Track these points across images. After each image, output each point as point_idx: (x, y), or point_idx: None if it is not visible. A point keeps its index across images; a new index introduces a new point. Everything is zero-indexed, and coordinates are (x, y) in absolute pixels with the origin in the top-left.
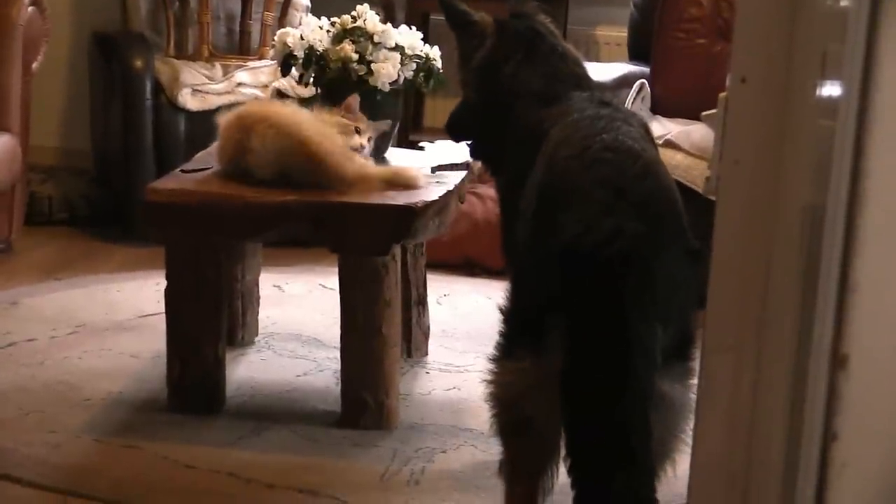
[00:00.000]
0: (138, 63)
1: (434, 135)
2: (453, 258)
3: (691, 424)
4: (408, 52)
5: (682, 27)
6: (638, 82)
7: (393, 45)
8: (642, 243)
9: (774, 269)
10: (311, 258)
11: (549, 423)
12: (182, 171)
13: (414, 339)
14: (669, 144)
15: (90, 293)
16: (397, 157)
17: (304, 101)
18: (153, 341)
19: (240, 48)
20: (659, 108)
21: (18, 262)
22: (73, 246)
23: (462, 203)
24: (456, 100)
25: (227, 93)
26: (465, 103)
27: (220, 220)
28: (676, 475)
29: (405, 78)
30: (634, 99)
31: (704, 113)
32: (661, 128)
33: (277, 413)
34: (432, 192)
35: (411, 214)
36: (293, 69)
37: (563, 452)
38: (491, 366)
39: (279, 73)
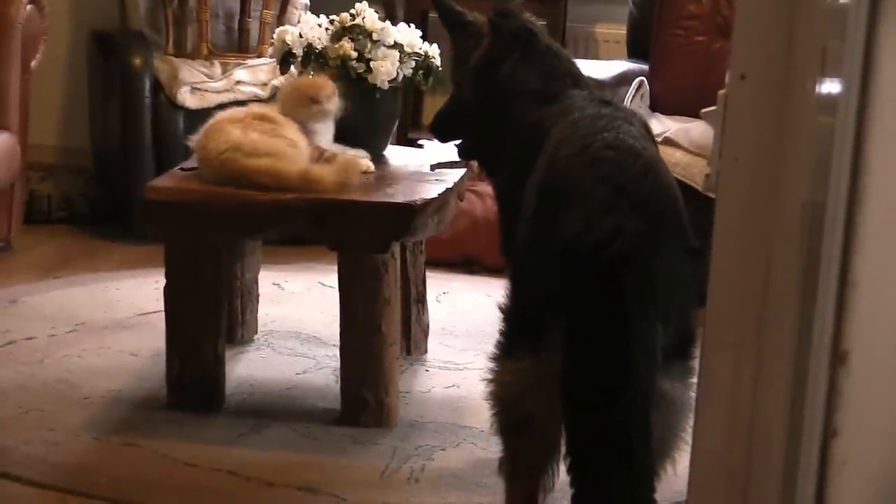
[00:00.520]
0: (137, 61)
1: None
2: (452, 256)
3: (692, 423)
4: (407, 49)
5: (680, 24)
6: (637, 80)
7: (392, 42)
8: (643, 241)
9: (774, 267)
10: (310, 256)
11: (550, 422)
12: (181, 169)
13: (413, 336)
14: (668, 142)
15: (89, 291)
16: (396, 155)
17: None
18: (153, 339)
19: (239, 46)
20: (658, 106)
21: (18, 261)
22: (72, 244)
23: (461, 201)
24: None
25: (227, 91)
26: (455, 103)
27: (219, 218)
28: (676, 474)
29: (404, 76)
30: (633, 96)
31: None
32: (661, 125)
33: (277, 411)
34: (432, 189)
35: (410, 212)
36: (292, 67)
37: (563, 451)
38: (491, 365)
39: (278, 71)
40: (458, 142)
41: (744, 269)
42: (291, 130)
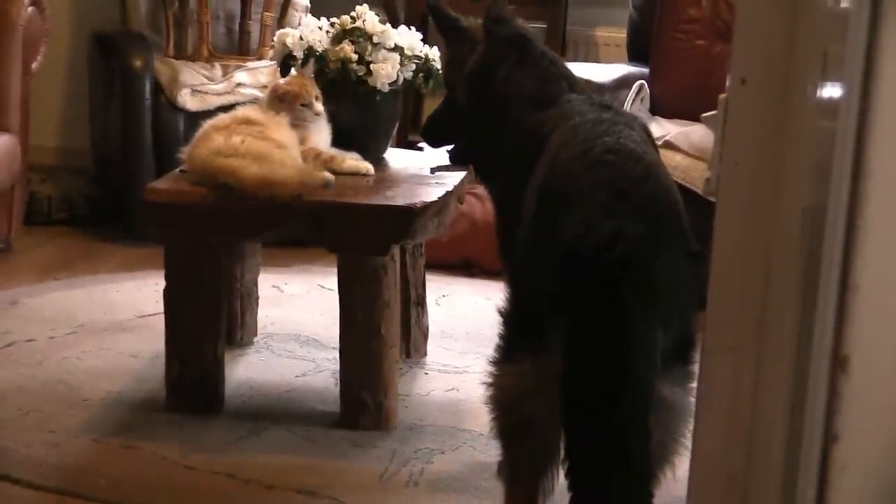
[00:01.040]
0: (138, 63)
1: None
2: (452, 258)
3: (691, 428)
4: (407, 52)
5: (681, 28)
6: (637, 83)
7: (392, 45)
8: (643, 245)
9: (775, 271)
10: (309, 258)
11: (549, 425)
12: (181, 171)
13: (413, 339)
14: (668, 145)
15: (89, 293)
16: (396, 158)
17: None
18: (152, 341)
19: (239, 48)
20: (658, 109)
21: (18, 262)
22: (72, 246)
23: (461, 203)
24: None
25: (227, 93)
26: (448, 108)
27: (219, 220)
28: (676, 478)
29: (404, 78)
30: (633, 100)
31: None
32: (661, 129)
33: (276, 413)
34: (432, 192)
35: (410, 215)
36: (292, 69)
37: (562, 454)
38: (491, 368)
39: (278, 74)
40: (450, 147)
41: (744, 272)
42: (279, 131)
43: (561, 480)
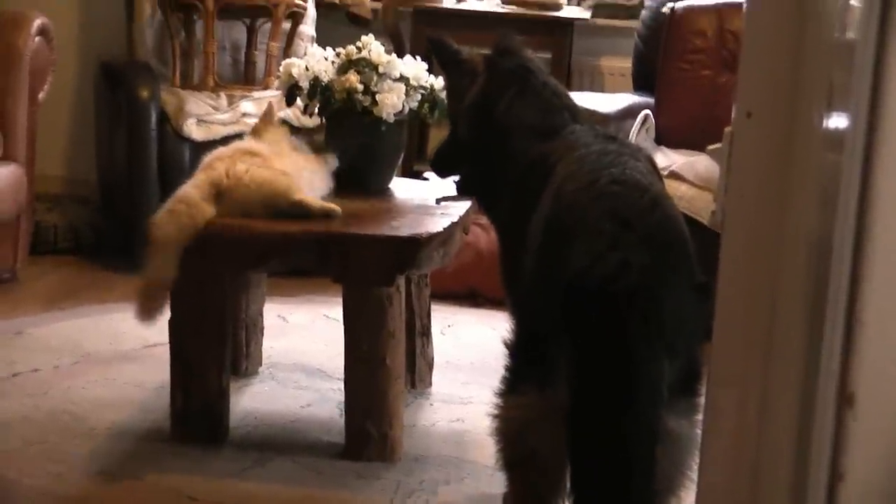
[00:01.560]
0: (144, 93)
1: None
2: (457, 288)
3: (697, 460)
4: (412, 82)
5: (686, 58)
6: (642, 113)
7: (398, 75)
8: (649, 277)
9: (780, 304)
10: (314, 288)
11: (555, 457)
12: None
13: (418, 370)
14: (674, 175)
15: (95, 323)
16: (401, 188)
17: (308, 132)
18: (157, 371)
19: (245, 78)
20: (663, 139)
21: (23, 292)
22: (77, 275)
23: (466, 234)
24: None
25: (233, 123)
26: (453, 139)
27: (224, 250)
28: None
29: (410, 109)
30: (639, 130)
31: (710, 147)
32: (666, 159)
33: (281, 444)
34: (437, 223)
35: (416, 245)
36: (298, 99)
37: (567, 487)
38: (496, 400)
39: (284, 104)
40: (457, 177)
41: (750, 305)
42: (282, 161)
43: None
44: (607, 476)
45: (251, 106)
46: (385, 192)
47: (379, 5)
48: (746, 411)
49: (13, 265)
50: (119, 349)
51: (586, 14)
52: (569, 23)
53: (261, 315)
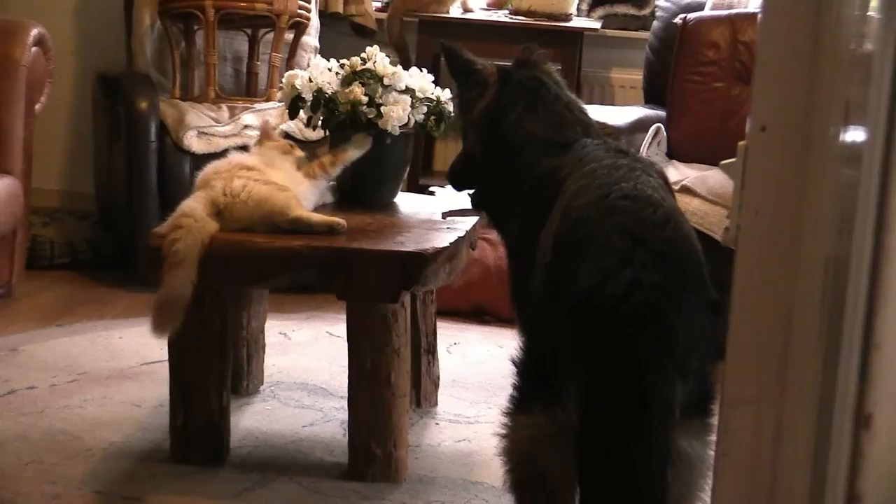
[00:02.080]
0: (143, 105)
1: (444, 179)
2: (464, 305)
3: (710, 482)
4: (418, 94)
5: (698, 70)
6: (654, 126)
7: (403, 87)
8: (661, 295)
9: (795, 323)
10: (317, 305)
11: (564, 479)
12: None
13: (423, 388)
14: (686, 190)
15: (92, 340)
16: (407, 203)
17: (312, 144)
18: (156, 389)
19: (247, 90)
20: (675, 153)
21: (19, 308)
22: (75, 291)
23: (473, 249)
24: None
25: (234, 135)
26: (466, 153)
27: (225, 266)
28: None
29: (415, 121)
30: (650, 143)
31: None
32: (678, 173)
33: (283, 464)
34: (443, 238)
35: (421, 261)
36: (301, 112)
37: None
38: (504, 419)
39: (287, 116)
40: (471, 191)
41: (764, 324)
42: (280, 176)
43: None
44: (618, 499)
45: (253, 118)
46: (390, 207)
47: (384, 16)
48: (761, 432)
49: (9, 281)
50: (117, 367)
51: (596, 25)
52: (578, 34)
53: (262, 332)
